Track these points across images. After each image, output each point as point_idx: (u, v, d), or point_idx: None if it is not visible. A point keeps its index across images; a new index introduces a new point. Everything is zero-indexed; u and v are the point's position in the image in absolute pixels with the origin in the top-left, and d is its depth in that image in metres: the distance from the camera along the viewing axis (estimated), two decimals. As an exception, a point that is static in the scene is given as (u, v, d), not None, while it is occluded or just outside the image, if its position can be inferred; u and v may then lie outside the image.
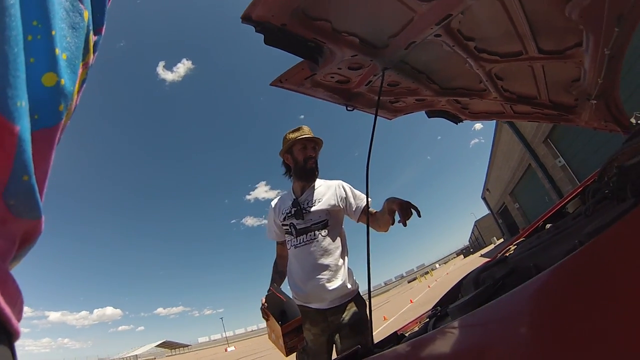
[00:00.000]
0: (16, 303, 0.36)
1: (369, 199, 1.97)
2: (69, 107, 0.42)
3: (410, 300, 17.92)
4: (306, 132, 2.32)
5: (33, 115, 0.37)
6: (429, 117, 2.15)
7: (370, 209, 2.16)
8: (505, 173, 25.07)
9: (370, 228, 1.98)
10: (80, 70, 0.44)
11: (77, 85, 0.44)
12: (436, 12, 1.00)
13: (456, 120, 2.13)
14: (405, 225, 1.82)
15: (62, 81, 0.39)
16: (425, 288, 25.38)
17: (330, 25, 1.15)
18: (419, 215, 1.85)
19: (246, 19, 1.08)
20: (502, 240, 45.23)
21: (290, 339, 1.76)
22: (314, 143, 2.32)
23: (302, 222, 2.24)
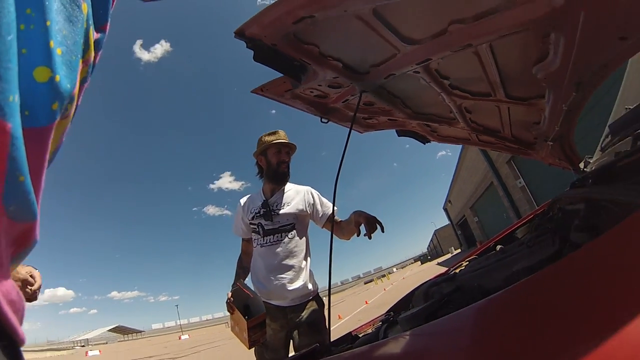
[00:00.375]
0: (19, 310, 0.35)
1: (335, 208, 2.08)
2: (66, 107, 0.40)
3: (366, 302, 18.17)
4: (282, 136, 2.38)
5: (23, 111, 0.34)
6: (398, 135, 2.23)
7: (335, 218, 2.26)
8: (468, 187, 25.79)
9: (334, 235, 2.12)
10: (79, 68, 0.42)
11: (77, 84, 0.41)
12: (417, 54, 1.07)
13: (424, 140, 2.23)
14: (370, 238, 1.92)
15: (57, 77, 0.37)
16: (381, 290, 25.70)
17: (318, 50, 1.20)
18: (382, 231, 1.99)
19: (239, 34, 1.12)
20: (459, 250, 46.55)
21: (254, 333, 1.83)
22: (288, 148, 2.39)
23: (270, 223, 2.31)
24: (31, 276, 1.60)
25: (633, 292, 0.35)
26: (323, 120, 1.92)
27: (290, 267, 2.27)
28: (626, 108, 1.10)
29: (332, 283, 2.02)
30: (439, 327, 0.65)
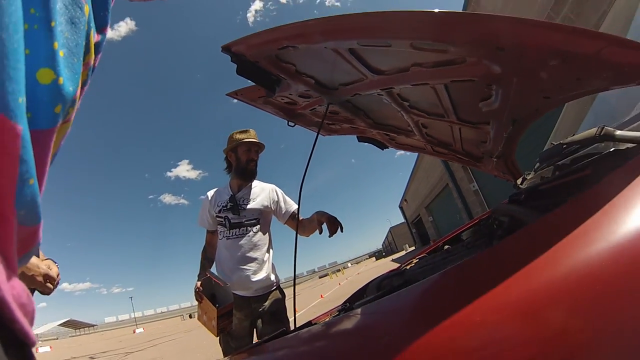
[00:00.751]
0: (29, 312, 0.34)
1: (299, 207, 2.34)
2: (68, 111, 0.39)
3: (321, 296, 18.22)
4: (252, 135, 2.50)
5: (26, 113, 0.33)
6: (359, 141, 2.36)
7: (301, 218, 2.44)
8: (424, 188, 26.49)
9: (292, 229, 2.38)
10: (81, 71, 0.41)
11: (79, 88, 0.40)
12: (382, 82, 1.20)
13: (382, 147, 2.37)
14: (330, 236, 2.10)
15: (60, 80, 0.36)
16: (335, 285, 25.91)
17: (294, 68, 1.32)
18: (342, 231, 2.15)
19: (226, 49, 1.22)
20: (413, 248, 47.66)
21: (223, 321, 1.95)
22: (258, 147, 2.51)
23: (236, 217, 2.43)
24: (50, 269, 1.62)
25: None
26: (290, 124, 2.03)
27: (254, 260, 2.37)
28: (551, 143, 1.28)
29: (286, 276, 2.14)
30: (381, 305, 0.81)
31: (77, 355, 18.34)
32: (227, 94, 1.82)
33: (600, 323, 0.45)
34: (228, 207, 2.46)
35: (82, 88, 0.42)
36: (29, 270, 1.39)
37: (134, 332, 39.77)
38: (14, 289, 0.32)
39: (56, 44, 0.35)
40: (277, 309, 2.41)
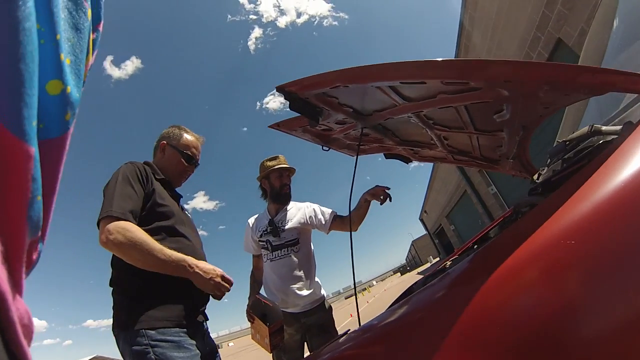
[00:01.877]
0: (29, 334, 0.35)
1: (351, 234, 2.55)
2: (75, 115, 0.40)
3: (350, 315, 18.01)
4: (282, 161, 2.69)
5: (38, 124, 0.35)
6: (386, 158, 2.54)
7: (338, 214, 2.67)
8: (443, 197, 26.25)
9: (342, 231, 2.60)
10: (84, 72, 0.42)
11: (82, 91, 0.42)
12: (413, 107, 1.41)
13: (407, 161, 2.56)
14: (382, 204, 2.33)
15: (68, 89, 0.37)
16: (364, 304, 25.65)
17: (337, 101, 1.51)
18: (390, 200, 2.36)
19: (280, 90, 1.39)
20: (437, 259, 46.88)
21: (274, 338, 2.03)
22: (289, 172, 2.71)
23: (277, 239, 2.59)
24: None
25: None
26: (324, 148, 2.26)
27: (298, 277, 2.53)
28: (557, 141, 1.52)
29: (312, 300, 2.37)
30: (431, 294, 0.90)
31: None
32: (269, 126, 2.04)
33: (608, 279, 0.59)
34: (268, 230, 2.63)
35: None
36: (206, 274, 1.53)
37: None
38: (19, 310, 0.32)
39: (62, 55, 0.37)
40: (325, 321, 2.57)
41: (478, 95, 1.12)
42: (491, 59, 0.85)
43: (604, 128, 0.96)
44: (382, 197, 2.35)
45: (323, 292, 2.69)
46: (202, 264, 1.58)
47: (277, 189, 2.68)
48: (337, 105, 1.55)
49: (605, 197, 0.64)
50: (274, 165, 2.66)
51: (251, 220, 2.81)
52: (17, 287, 0.33)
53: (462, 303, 0.71)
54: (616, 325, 0.58)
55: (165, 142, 1.98)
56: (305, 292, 2.52)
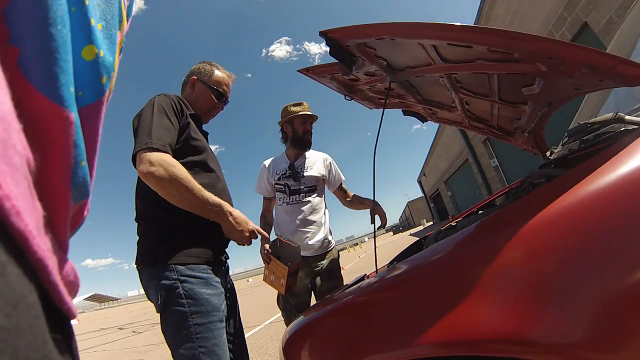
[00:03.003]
0: (73, 290, 0.36)
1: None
2: (111, 79, 0.41)
3: (342, 267, 18.50)
4: (306, 108, 2.71)
5: (77, 92, 0.35)
6: (404, 114, 2.54)
7: (347, 189, 2.86)
8: (444, 162, 26.27)
9: (339, 200, 2.86)
10: (118, 39, 0.42)
11: (117, 56, 0.42)
12: (448, 68, 1.43)
13: (424, 120, 2.56)
14: (378, 229, 2.33)
15: (102, 52, 0.38)
16: (355, 258, 26.02)
17: (374, 52, 1.52)
18: (383, 227, 2.52)
19: (323, 34, 1.39)
20: (431, 223, 47.47)
21: (291, 279, 2.09)
22: (312, 119, 2.75)
23: (297, 183, 2.66)
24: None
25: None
26: (347, 98, 2.29)
27: (313, 222, 2.62)
28: (577, 122, 1.58)
29: (328, 245, 2.51)
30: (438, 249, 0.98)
31: (105, 327, 19.13)
32: (298, 70, 2.04)
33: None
34: (287, 174, 2.68)
35: (119, 55, 0.44)
36: (238, 225, 1.56)
37: (157, 304, 41.08)
38: (64, 269, 0.33)
39: (93, 20, 0.36)
40: (334, 267, 2.68)
41: (517, 66, 1.16)
42: (540, 35, 0.89)
43: (627, 117, 1.02)
44: (379, 220, 2.53)
45: (333, 239, 2.80)
46: (236, 213, 1.58)
47: (299, 134, 2.72)
48: (373, 57, 1.56)
49: (623, 178, 0.71)
50: (299, 112, 2.69)
51: (267, 162, 2.84)
52: (62, 248, 0.34)
53: (480, 258, 0.79)
54: (620, 291, 0.64)
55: (195, 77, 1.96)
56: (317, 237, 2.62)
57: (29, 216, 0.26)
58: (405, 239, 23.17)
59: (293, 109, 2.72)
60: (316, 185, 2.72)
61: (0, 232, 0.23)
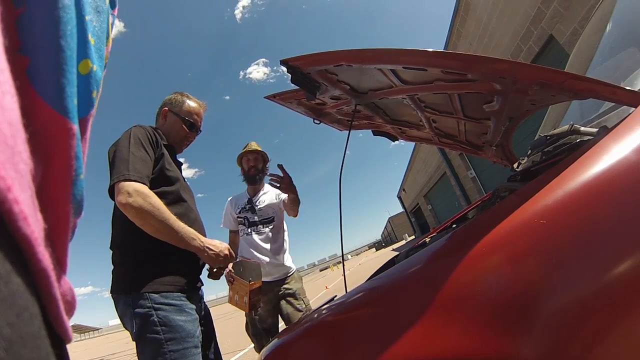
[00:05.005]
0: (71, 310, 0.35)
1: (340, 201, 2.64)
2: (99, 94, 0.41)
3: (326, 287, 18.23)
4: (251, 146, 2.96)
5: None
6: (374, 134, 2.56)
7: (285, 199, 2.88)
8: (422, 177, 26.60)
9: (287, 212, 2.90)
10: (105, 54, 0.43)
11: (104, 71, 0.42)
12: (409, 90, 1.46)
13: (394, 139, 2.60)
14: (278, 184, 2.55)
15: (95, 67, 0.38)
16: (339, 276, 25.94)
17: (336, 77, 1.54)
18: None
19: (284, 62, 1.41)
20: (413, 237, 47.79)
21: (254, 296, 2.08)
22: (256, 154, 2.96)
23: (254, 216, 2.91)
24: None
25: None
26: (315, 121, 2.30)
27: (272, 250, 2.82)
28: (539, 135, 1.62)
29: (287, 270, 2.50)
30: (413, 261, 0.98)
31: (88, 359, 18.55)
32: (265, 97, 2.06)
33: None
34: (247, 208, 2.94)
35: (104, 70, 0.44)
36: (212, 251, 1.61)
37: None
38: (62, 287, 0.32)
39: (89, 35, 0.37)
40: (297, 289, 2.80)
41: (473, 86, 1.19)
42: (491, 56, 0.91)
43: (582, 129, 1.05)
44: (280, 181, 2.57)
45: (293, 265, 2.97)
46: (209, 241, 1.64)
47: (245, 171, 2.98)
48: (335, 82, 1.58)
49: (576, 188, 0.73)
50: (243, 151, 2.96)
51: (231, 199, 3.11)
52: (61, 265, 0.33)
53: (444, 274, 0.79)
54: (579, 297, 0.66)
55: (167, 108, 1.99)
56: (277, 263, 2.81)
57: (34, 224, 0.25)
58: (387, 254, 23.23)
59: (242, 151, 2.98)
60: (273, 217, 2.95)
61: (6, 238, 0.23)
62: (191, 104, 2.04)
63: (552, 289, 0.67)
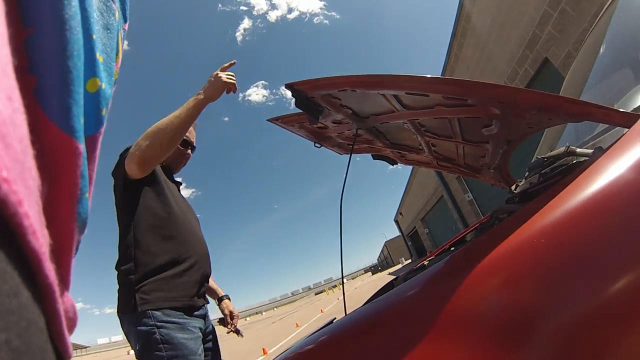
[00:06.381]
0: (72, 327, 0.36)
1: (341, 226, 2.53)
2: (108, 111, 0.41)
3: (321, 310, 18.18)
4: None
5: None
6: (373, 158, 2.58)
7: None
8: (419, 200, 26.55)
9: None
10: (115, 70, 0.43)
11: (113, 88, 0.43)
12: (410, 115, 1.50)
13: (393, 163, 2.61)
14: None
15: (103, 85, 0.38)
16: (334, 300, 25.68)
17: (339, 102, 1.57)
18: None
19: (289, 86, 1.45)
20: (409, 261, 47.28)
21: None
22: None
23: None
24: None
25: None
26: (316, 145, 2.33)
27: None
28: (536, 157, 1.66)
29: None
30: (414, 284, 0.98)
31: None
32: (268, 120, 2.09)
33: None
34: None
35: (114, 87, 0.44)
36: (217, 84, 1.71)
37: (128, 354, 39.04)
38: (65, 303, 0.32)
39: (98, 53, 0.37)
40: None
41: (472, 110, 1.24)
42: (490, 82, 0.96)
43: (578, 150, 1.08)
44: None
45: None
46: (207, 87, 1.71)
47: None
48: (338, 106, 1.62)
49: (574, 209, 0.76)
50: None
51: None
52: (64, 282, 0.33)
53: (445, 296, 0.79)
54: (578, 318, 0.67)
55: None
56: None
57: (42, 239, 0.26)
58: (384, 278, 23.02)
59: None
60: None
61: (15, 252, 0.23)
62: None
63: (552, 310, 0.68)
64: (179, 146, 2.00)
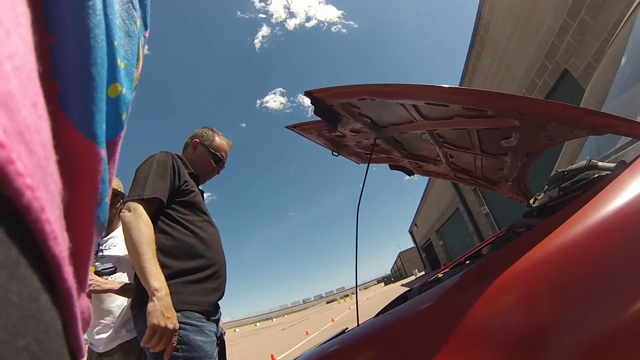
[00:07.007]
0: (86, 327, 0.36)
1: (357, 232, 2.49)
2: (128, 116, 0.42)
3: (332, 319, 18.11)
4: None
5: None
6: (390, 168, 2.57)
7: None
8: (435, 212, 26.36)
9: None
10: (135, 77, 0.44)
11: (133, 93, 0.43)
12: (428, 125, 1.50)
13: (410, 174, 2.61)
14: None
15: (124, 90, 0.39)
16: (345, 309, 25.51)
17: (358, 110, 1.57)
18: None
19: (308, 94, 1.45)
20: (423, 273, 46.86)
21: None
22: (113, 195, 2.41)
23: (98, 265, 2.29)
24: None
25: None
26: (334, 153, 2.34)
27: (109, 312, 2.23)
28: (556, 170, 1.64)
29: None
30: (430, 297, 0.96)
31: None
32: (286, 127, 2.11)
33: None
34: (95, 254, 2.30)
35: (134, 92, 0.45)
36: (165, 313, 1.43)
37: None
38: (81, 304, 0.33)
39: (119, 59, 0.38)
40: None
41: (492, 122, 1.23)
42: (510, 93, 0.96)
43: (600, 164, 1.07)
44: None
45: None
46: (166, 301, 1.44)
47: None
48: (357, 115, 1.62)
49: (596, 224, 0.74)
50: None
51: None
52: (81, 284, 0.34)
53: (459, 311, 0.79)
54: (596, 339, 0.65)
55: (198, 140, 2.14)
56: (108, 331, 2.21)
57: (62, 243, 0.26)
58: (396, 290, 22.81)
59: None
60: (116, 267, 2.32)
61: (36, 256, 0.23)
62: (220, 140, 2.20)
63: (570, 329, 0.67)
64: (212, 162, 2.13)
